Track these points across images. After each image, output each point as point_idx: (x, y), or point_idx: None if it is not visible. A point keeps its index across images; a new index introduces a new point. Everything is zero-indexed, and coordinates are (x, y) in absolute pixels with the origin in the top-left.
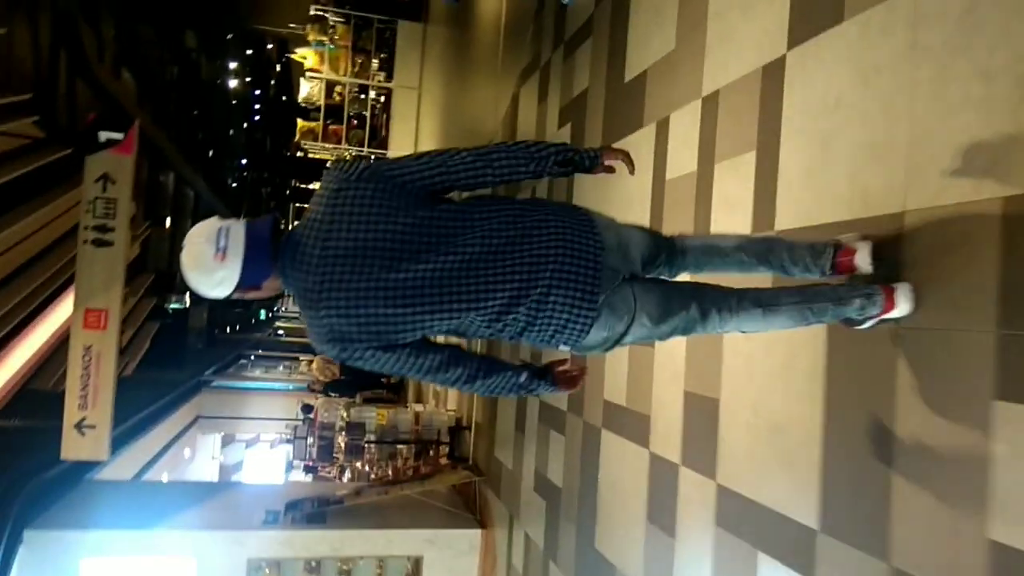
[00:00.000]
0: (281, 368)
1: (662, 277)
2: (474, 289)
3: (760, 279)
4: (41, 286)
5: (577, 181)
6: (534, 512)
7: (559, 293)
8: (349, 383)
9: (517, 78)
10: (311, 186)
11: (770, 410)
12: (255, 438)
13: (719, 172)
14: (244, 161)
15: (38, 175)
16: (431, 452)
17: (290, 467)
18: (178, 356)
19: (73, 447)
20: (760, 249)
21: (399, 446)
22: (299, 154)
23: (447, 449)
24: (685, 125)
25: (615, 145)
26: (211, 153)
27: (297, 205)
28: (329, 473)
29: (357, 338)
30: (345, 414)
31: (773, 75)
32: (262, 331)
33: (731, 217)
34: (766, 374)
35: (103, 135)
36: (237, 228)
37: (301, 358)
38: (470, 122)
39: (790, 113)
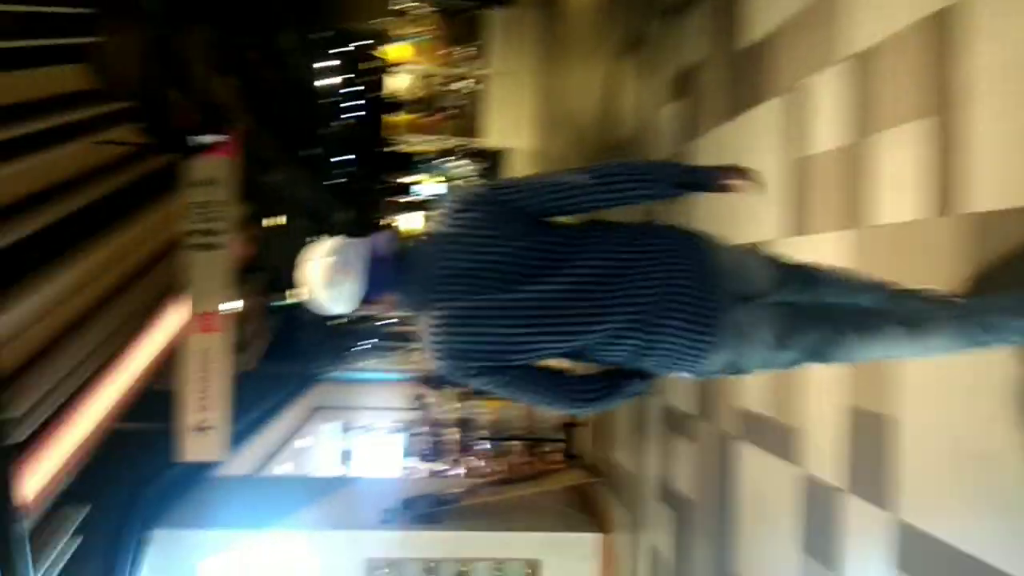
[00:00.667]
0: (395, 357)
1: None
2: (589, 312)
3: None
4: (155, 291)
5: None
6: (661, 522)
7: (673, 318)
8: None
9: (618, 54)
10: (407, 179)
11: (973, 434)
12: (372, 427)
13: (879, 145)
14: (351, 157)
15: (147, 181)
16: (545, 449)
17: (407, 454)
18: (296, 349)
19: (193, 448)
20: (923, 318)
21: (512, 443)
22: (393, 148)
23: (562, 446)
24: (829, 92)
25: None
26: (316, 152)
27: (396, 199)
28: (444, 469)
29: (471, 356)
30: (457, 405)
31: (949, 24)
32: (375, 322)
33: (901, 197)
34: (965, 388)
35: (205, 138)
36: (359, 245)
37: (413, 346)
38: (571, 105)
39: (975, 71)
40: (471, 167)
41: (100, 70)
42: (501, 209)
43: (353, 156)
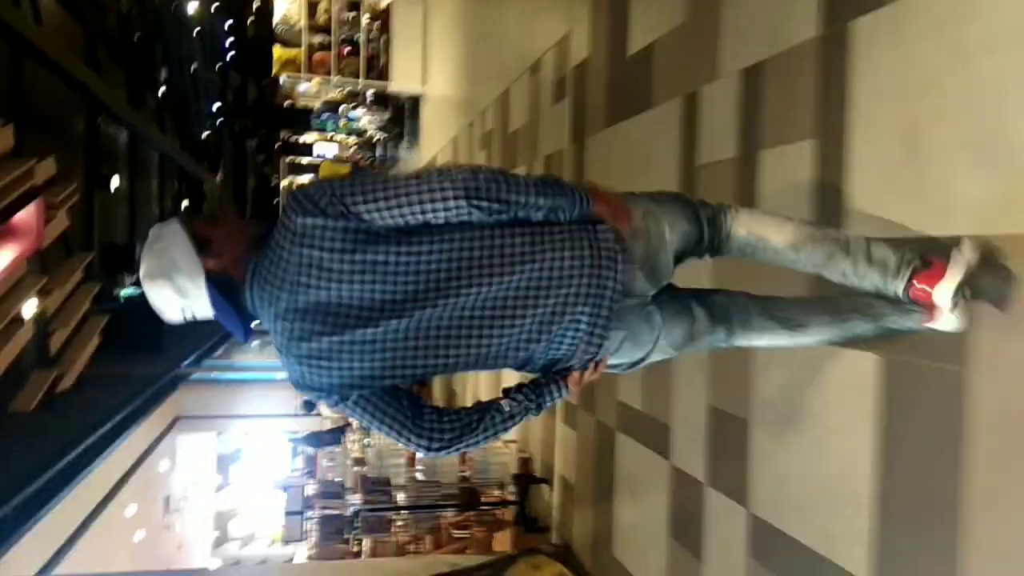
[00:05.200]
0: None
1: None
2: (479, 336)
3: None
4: None
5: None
6: None
7: (566, 334)
8: None
9: None
10: (303, 138)
11: None
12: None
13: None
14: (217, 107)
15: None
16: (491, 514)
17: (296, 452)
18: (145, 347)
19: None
20: (818, 259)
21: (442, 512)
22: (286, 103)
23: (514, 510)
24: (719, 102)
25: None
26: (173, 100)
27: (289, 160)
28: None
29: (325, 388)
30: (359, 454)
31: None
32: None
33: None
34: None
35: None
36: (196, 295)
37: None
38: (503, 46)
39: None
40: (376, 119)
41: None
42: (356, 226)
43: (235, 105)
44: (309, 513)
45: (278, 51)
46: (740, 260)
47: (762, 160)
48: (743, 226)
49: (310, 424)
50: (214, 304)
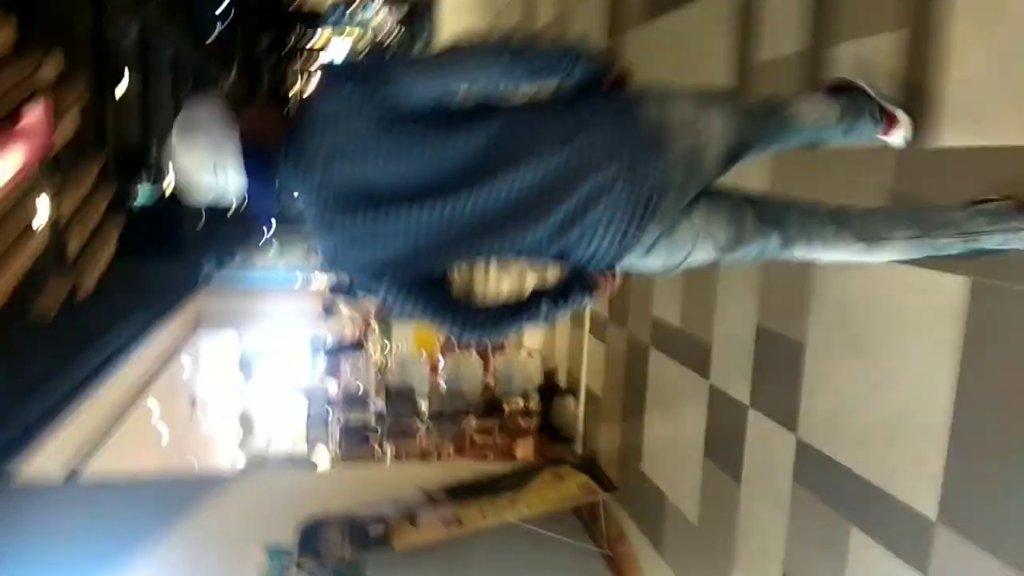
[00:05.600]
0: (297, 251)
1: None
2: (508, 231)
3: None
4: None
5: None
6: None
7: (600, 226)
8: None
9: None
10: (313, 42)
11: None
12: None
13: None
14: (226, 4)
15: None
16: (514, 420)
17: (316, 353)
18: (165, 252)
19: None
20: (849, 126)
21: (467, 419)
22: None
23: (537, 419)
24: None
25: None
26: None
27: (300, 65)
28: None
29: (360, 267)
30: (383, 361)
31: None
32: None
33: None
34: None
35: None
36: (223, 122)
37: None
38: None
39: None
40: (391, 15)
41: None
42: (385, 107)
43: (238, 5)
44: (332, 419)
45: None
46: (803, 157)
47: (835, 57)
48: (806, 108)
49: (330, 328)
50: (247, 168)
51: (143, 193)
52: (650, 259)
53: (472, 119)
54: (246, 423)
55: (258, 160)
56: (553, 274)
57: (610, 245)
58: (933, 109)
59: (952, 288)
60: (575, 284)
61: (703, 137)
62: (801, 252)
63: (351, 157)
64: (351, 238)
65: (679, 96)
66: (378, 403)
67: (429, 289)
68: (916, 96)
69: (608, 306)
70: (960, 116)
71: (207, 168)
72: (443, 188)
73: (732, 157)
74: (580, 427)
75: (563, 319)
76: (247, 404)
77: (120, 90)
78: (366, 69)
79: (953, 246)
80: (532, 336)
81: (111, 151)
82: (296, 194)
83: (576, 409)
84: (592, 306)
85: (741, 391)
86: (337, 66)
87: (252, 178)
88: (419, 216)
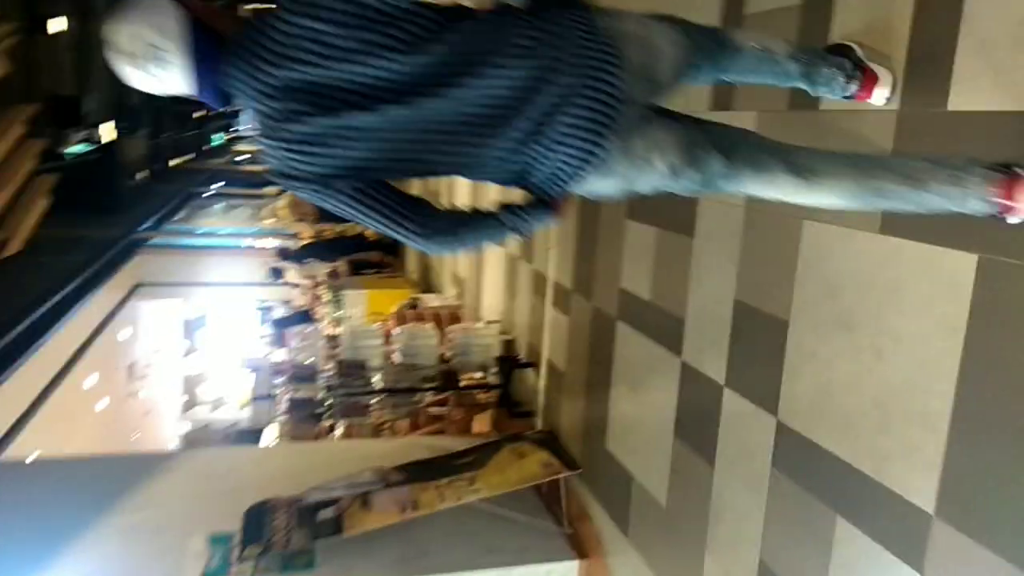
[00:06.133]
0: (244, 211)
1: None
2: (468, 141)
3: None
4: None
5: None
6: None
7: (561, 137)
8: (328, 246)
9: None
10: None
11: None
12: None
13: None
14: None
15: None
16: (471, 394)
17: (265, 320)
18: (101, 209)
19: None
20: (806, 68)
21: (421, 394)
22: None
23: (497, 393)
24: None
25: None
26: None
27: None
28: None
29: (312, 177)
30: (333, 329)
31: None
32: (219, 158)
33: None
34: None
35: None
36: (172, 31)
37: (266, 193)
38: None
39: None
40: None
41: None
42: None
43: None
44: (279, 394)
45: None
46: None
47: (839, 3)
48: (750, 38)
49: (276, 294)
50: (193, 51)
51: (75, 146)
52: (608, 180)
53: (440, 27)
54: (190, 388)
55: (207, 43)
56: (515, 197)
57: (570, 159)
58: (942, 71)
59: (956, 264)
60: (538, 204)
61: (655, 51)
62: (747, 182)
63: (313, 58)
64: (305, 146)
65: (632, 12)
66: (328, 376)
67: (386, 190)
68: (925, 57)
69: (572, 276)
70: (970, 78)
71: (144, 46)
72: (403, 93)
73: (681, 72)
74: (541, 401)
75: (526, 235)
76: (190, 373)
77: (53, 28)
78: None
79: (900, 195)
80: (490, 307)
81: (42, 101)
82: (247, 92)
83: (537, 383)
84: (553, 227)
85: (716, 369)
86: None
87: (198, 64)
88: (379, 120)
